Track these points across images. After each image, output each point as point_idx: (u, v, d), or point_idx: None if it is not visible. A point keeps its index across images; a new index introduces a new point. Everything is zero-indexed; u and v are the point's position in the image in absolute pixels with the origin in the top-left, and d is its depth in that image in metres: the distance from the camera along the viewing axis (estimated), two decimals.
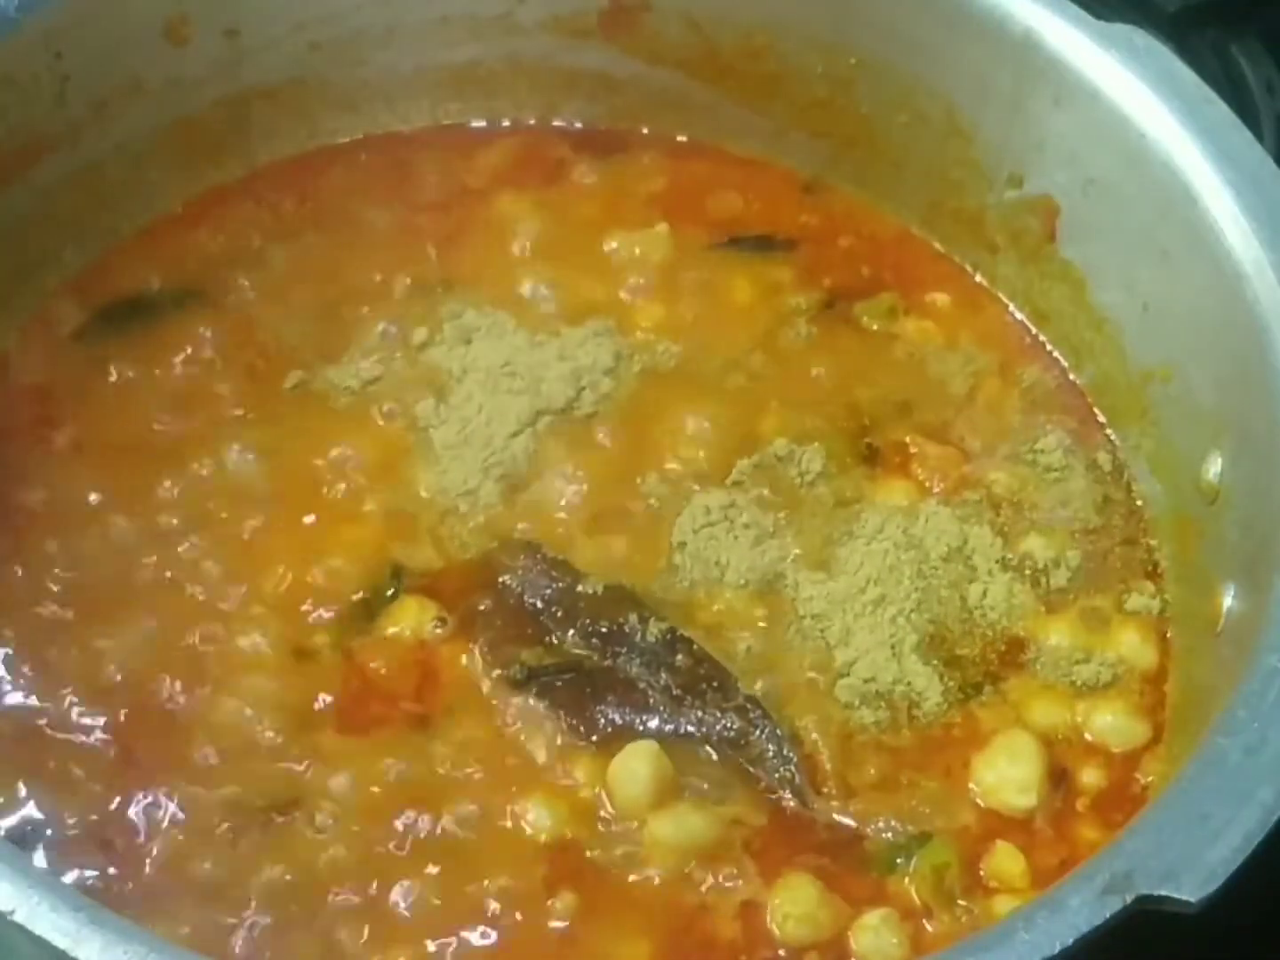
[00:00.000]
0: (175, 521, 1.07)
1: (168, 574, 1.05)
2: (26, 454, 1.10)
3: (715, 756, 0.99)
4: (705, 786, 0.98)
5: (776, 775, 0.99)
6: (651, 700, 1.01)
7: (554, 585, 1.05)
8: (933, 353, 1.21)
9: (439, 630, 1.03)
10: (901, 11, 1.20)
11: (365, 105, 1.29)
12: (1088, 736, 1.04)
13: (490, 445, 1.11)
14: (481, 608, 1.05)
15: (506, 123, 1.32)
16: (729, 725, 1.00)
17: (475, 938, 0.93)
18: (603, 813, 0.97)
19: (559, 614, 1.04)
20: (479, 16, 1.27)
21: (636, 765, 0.97)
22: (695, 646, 1.03)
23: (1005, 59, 1.16)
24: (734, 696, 1.01)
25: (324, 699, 1.00)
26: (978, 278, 1.26)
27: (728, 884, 0.95)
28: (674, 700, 1.01)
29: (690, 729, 1.00)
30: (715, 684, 1.01)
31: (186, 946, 0.87)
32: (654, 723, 1.00)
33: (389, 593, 1.05)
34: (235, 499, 1.08)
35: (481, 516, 1.09)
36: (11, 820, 0.95)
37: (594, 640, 1.03)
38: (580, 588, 1.05)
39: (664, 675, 1.02)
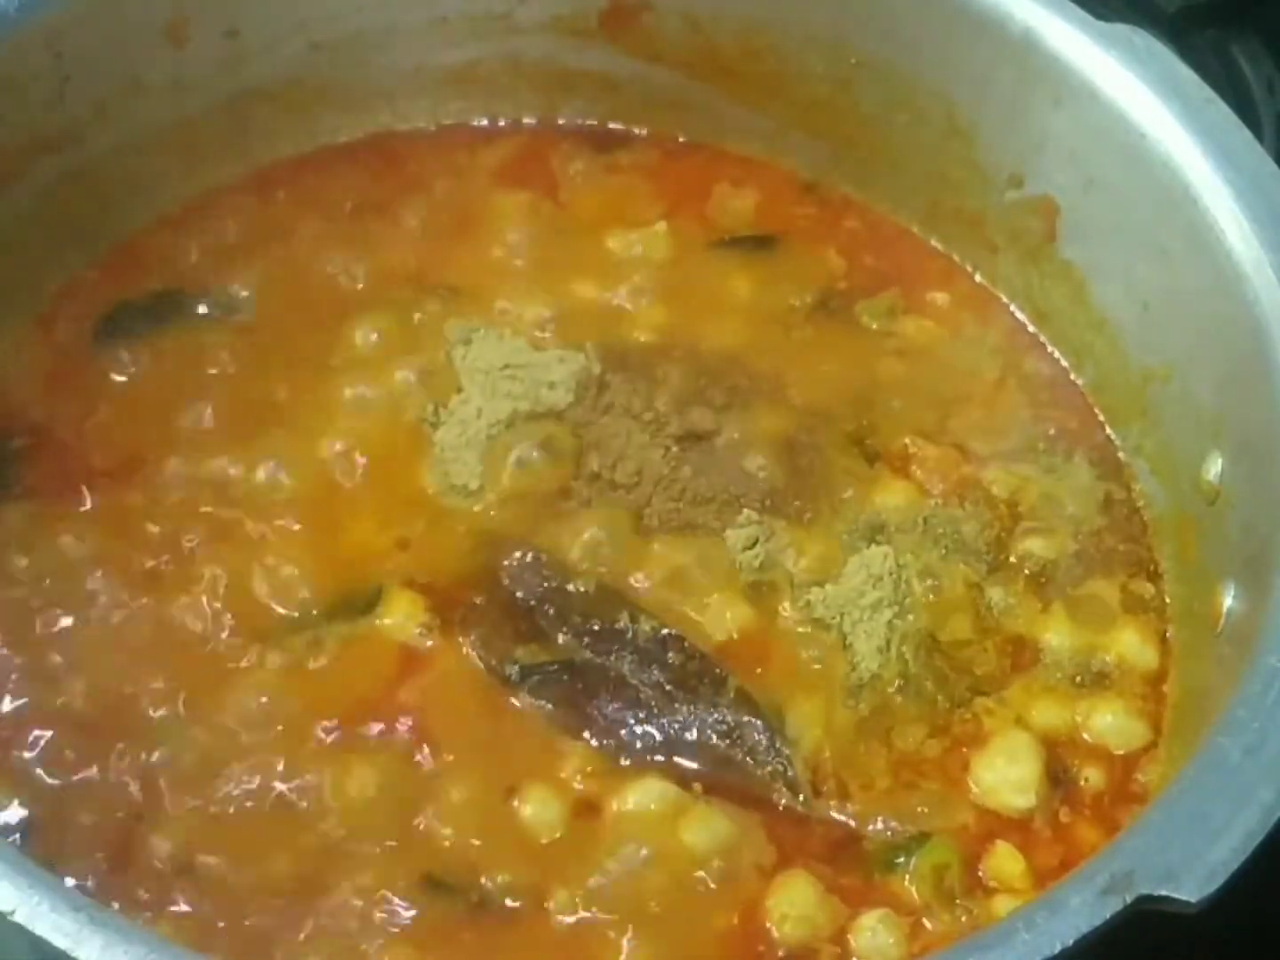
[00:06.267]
0: (172, 523, 1.07)
1: (164, 574, 1.05)
2: (29, 455, 1.10)
3: (706, 763, 1.00)
4: (699, 788, 0.99)
5: (769, 769, 0.99)
6: (644, 697, 1.01)
7: (546, 584, 1.06)
8: (932, 352, 1.21)
9: (432, 632, 1.03)
10: (901, 11, 1.20)
11: (365, 105, 1.29)
12: (1087, 737, 1.04)
13: (489, 446, 1.11)
14: (476, 602, 1.05)
15: (506, 123, 1.32)
16: (721, 720, 1.00)
17: (473, 935, 0.93)
18: (611, 823, 0.98)
19: (551, 612, 1.05)
20: (479, 16, 1.27)
21: (646, 803, 0.97)
22: (686, 643, 1.03)
23: (1005, 59, 1.16)
24: (726, 692, 1.01)
25: (320, 698, 1.00)
26: (978, 278, 1.26)
27: (726, 884, 0.95)
28: (666, 696, 1.01)
29: (682, 724, 1.00)
30: (707, 680, 1.02)
31: (186, 946, 0.87)
32: (646, 720, 1.00)
33: (385, 591, 1.05)
34: (234, 498, 1.08)
35: (479, 517, 1.09)
36: (12, 820, 0.95)
37: (586, 638, 1.04)
38: (572, 587, 1.06)
39: (656, 672, 1.02)
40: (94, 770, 0.97)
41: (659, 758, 0.99)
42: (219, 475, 1.09)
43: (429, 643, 1.03)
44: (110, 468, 1.10)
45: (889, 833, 0.98)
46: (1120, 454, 1.17)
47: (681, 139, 1.32)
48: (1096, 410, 1.19)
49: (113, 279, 1.19)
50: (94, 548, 1.06)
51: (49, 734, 0.98)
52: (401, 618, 1.04)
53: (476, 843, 0.96)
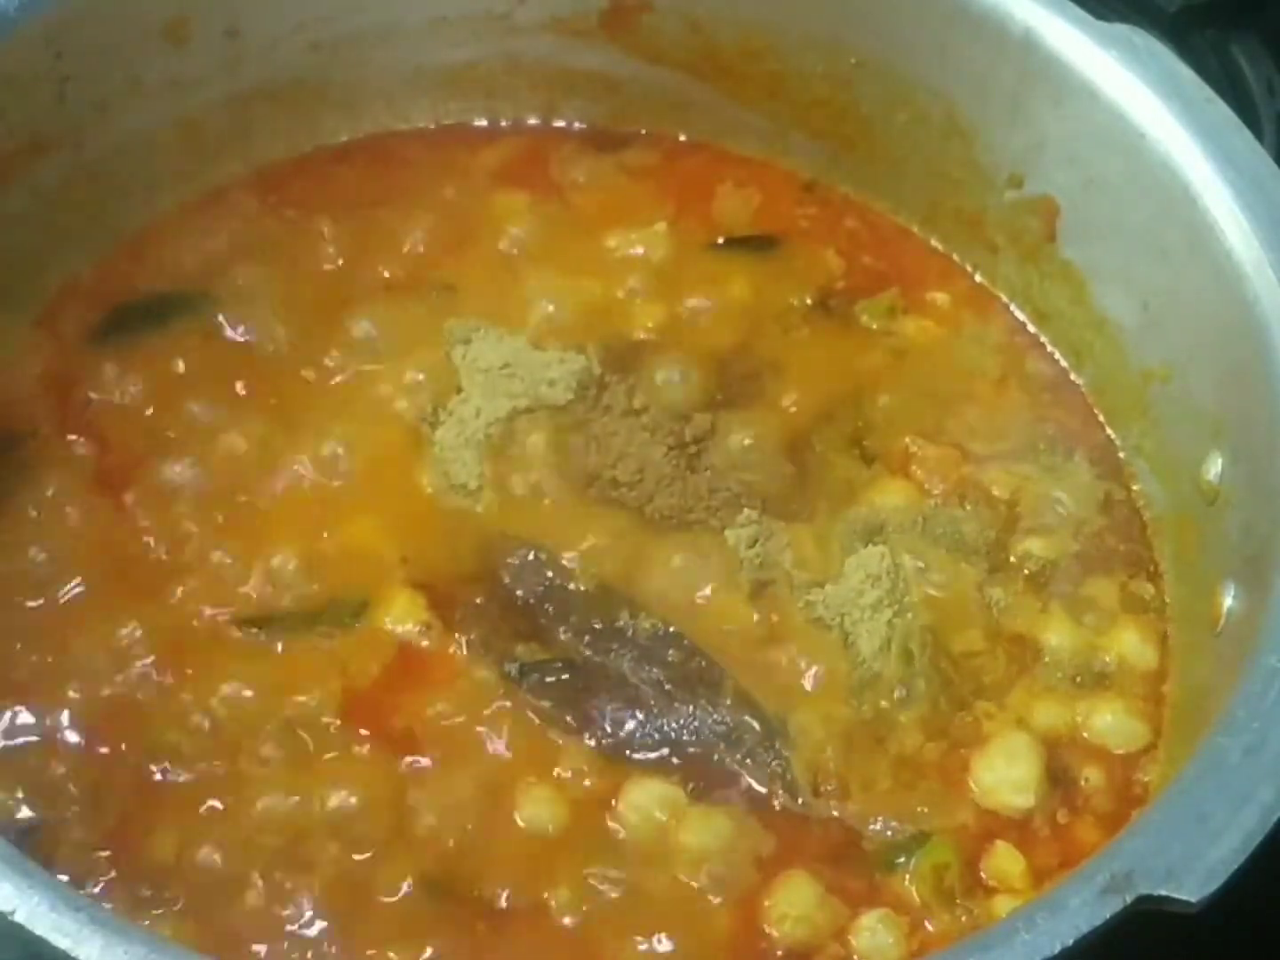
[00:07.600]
0: (171, 520, 1.07)
1: (162, 571, 1.05)
2: (32, 457, 1.10)
3: (705, 762, 1.00)
4: (699, 788, 0.99)
5: (768, 770, 0.99)
6: (643, 696, 1.01)
7: (546, 582, 1.06)
8: (932, 352, 1.21)
9: (432, 631, 1.03)
10: (901, 11, 1.20)
11: (365, 105, 1.29)
12: (1087, 737, 1.04)
13: (488, 446, 1.11)
14: (476, 601, 1.05)
15: (506, 123, 1.32)
16: (721, 720, 1.00)
17: (473, 935, 0.93)
18: (611, 823, 0.97)
19: (551, 611, 1.05)
20: (479, 16, 1.27)
21: (646, 803, 0.97)
22: (686, 642, 1.03)
23: (1005, 59, 1.16)
24: (725, 692, 1.02)
25: (319, 697, 1.00)
26: (978, 277, 1.26)
27: (726, 884, 0.95)
28: (666, 695, 1.01)
29: (681, 723, 1.00)
30: (707, 679, 1.02)
31: (186, 946, 0.87)
32: (646, 719, 1.00)
33: (385, 590, 1.05)
34: (234, 497, 1.08)
35: (479, 516, 1.09)
36: (12, 820, 0.95)
37: (586, 637, 1.04)
38: (572, 585, 1.06)
39: (656, 671, 1.02)
40: (92, 769, 0.97)
41: (658, 757, 0.99)
42: (218, 474, 1.09)
43: (429, 642, 1.03)
44: (109, 467, 1.10)
45: (889, 833, 0.98)
46: (1120, 454, 1.17)
47: (682, 139, 1.32)
48: (1096, 410, 1.19)
49: (113, 279, 1.19)
50: (92, 545, 1.06)
51: (48, 732, 0.98)
52: (401, 616, 1.04)
53: (477, 842, 0.96)
